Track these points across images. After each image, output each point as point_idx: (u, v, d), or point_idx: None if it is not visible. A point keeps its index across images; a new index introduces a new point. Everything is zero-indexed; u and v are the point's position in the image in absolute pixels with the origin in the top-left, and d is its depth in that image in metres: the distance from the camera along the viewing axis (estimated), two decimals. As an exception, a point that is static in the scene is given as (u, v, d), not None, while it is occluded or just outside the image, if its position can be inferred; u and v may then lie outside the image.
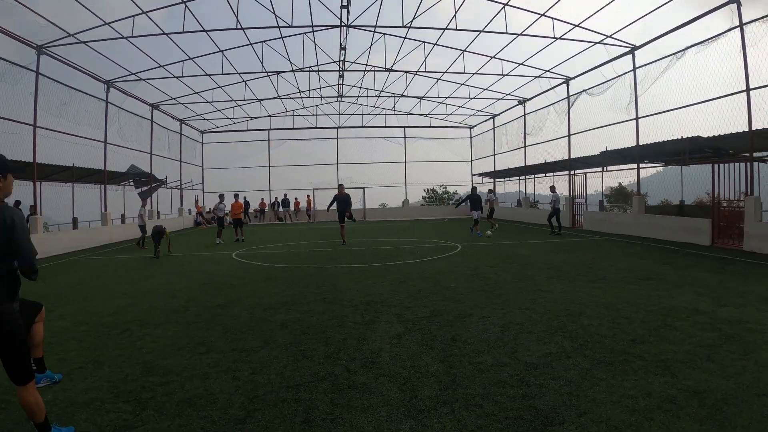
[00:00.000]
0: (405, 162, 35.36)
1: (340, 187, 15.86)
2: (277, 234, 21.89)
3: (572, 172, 23.01)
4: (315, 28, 18.24)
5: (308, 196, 34.17)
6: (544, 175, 27.36)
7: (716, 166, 13.38)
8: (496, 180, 33.42)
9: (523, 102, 27.50)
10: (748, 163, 12.11)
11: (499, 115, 31.58)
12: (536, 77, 22.89)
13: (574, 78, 22.01)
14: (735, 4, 12.20)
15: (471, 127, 36.03)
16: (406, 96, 28.05)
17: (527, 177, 28.61)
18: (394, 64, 21.91)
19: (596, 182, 23.82)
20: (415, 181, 35.80)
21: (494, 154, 32.40)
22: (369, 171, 34.90)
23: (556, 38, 17.50)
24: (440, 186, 38.97)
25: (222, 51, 19.67)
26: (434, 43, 19.83)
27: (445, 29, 17.96)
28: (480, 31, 17.91)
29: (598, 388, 3.90)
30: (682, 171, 19.12)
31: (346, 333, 5.51)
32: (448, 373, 4.25)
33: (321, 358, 4.64)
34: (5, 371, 2.92)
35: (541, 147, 25.87)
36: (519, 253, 12.62)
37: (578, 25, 16.46)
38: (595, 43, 17.55)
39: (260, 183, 33.79)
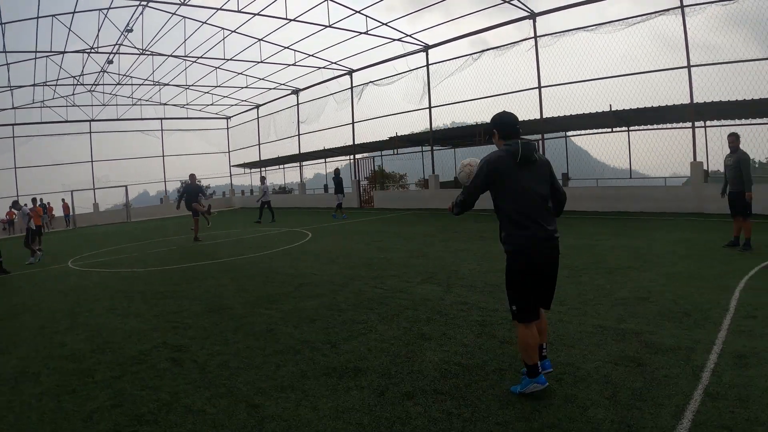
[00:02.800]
0: (163, 156, 33.80)
1: (192, 176, 14.47)
2: (65, 243, 17.62)
3: (356, 157, 25.84)
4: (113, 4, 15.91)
5: (63, 199, 29.34)
6: (323, 161, 29.80)
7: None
8: (266, 169, 34.32)
9: (296, 92, 29.13)
10: (540, 142, 16.61)
11: (264, 105, 32.60)
12: (320, 68, 24.72)
13: (357, 70, 24.71)
14: (531, 20, 16.38)
15: (228, 118, 36.29)
16: (170, 85, 26.48)
17: (302, 164, 30.83)
18: (177, 49, 20.69)
19: (393, 164, 27.37)
20: (173, 175, 34.42)
21: (259, 144, 33.39)
22: (128, 167, 32.45)
23: (362, 33, 19.63)
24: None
25: (2, 23, 15.16)
26: (233, 30, 19.55)
27: (255, 14, 17.95)
28: (290, 20, 18.44)
29: (634, 275, 6.07)
30: (455, 153, 23.87)
31: (405, 300, 5.94)
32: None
33: (440, 320, 5.16)
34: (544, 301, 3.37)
35: (320, 134, 28.18)
36: (368, 230, 14.30)
37: (386, 24, 18.97)
38: (395, 39, 20.35)
39: (5, 188, 27.07)
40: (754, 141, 12.42)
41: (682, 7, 12.82)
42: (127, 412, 3.41)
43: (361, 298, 6.22)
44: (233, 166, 36.47)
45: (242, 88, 27.72)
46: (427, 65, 20.94)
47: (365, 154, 25.81)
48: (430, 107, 21.18)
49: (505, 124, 3.37)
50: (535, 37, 16.46)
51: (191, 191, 14.15)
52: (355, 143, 25.05)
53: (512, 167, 3.20)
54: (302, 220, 19.31)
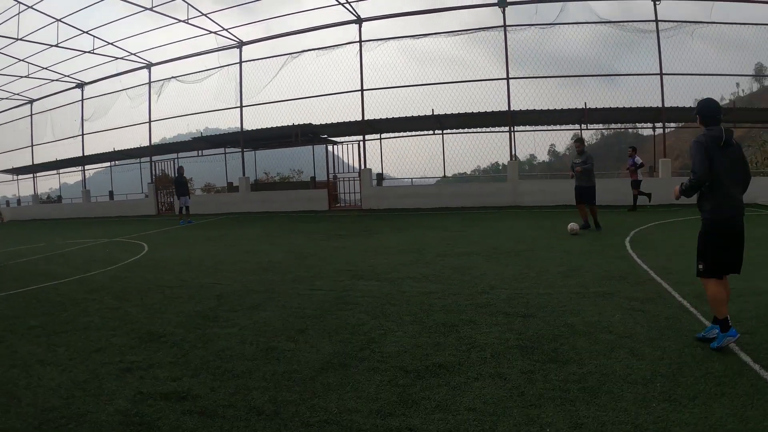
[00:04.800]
0: None
1: None
2: None
3: (153, 159, 22.86)
4: None
5: None
6: (113, 163, 25.67)
7: (329, 146, 17.84)
8: (37, 175, 27.78)
9: (81, 85, 24.05)
10: (362, 143, 17.12)
11: (39, 100, 26.16)
12: (117, 58, 20.92)
13: (157, 64, 21.60)
14: (357, 25, 16.61)
15: None
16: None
17: (86, 168, 25.89)
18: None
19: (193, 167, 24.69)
20: None
21: (32, 145, 26.82)
22: None
23: (181, 21, 17.23)
24: None
25: None
26: (30, 6, 15.26)
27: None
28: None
29: (539, 255, 7.16)
30: (255, 155, 22.80)
31: (368, 298, 5.54)
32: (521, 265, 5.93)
33: (436, 309, 5.05)
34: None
35: (110, 134, 24.09)
36: (205, 236, 12.92)
37: (206, 15, 17.05)
38: (211, 32, 18.38)
39: None
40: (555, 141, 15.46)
41: (504, 26, 15.15)
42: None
43: (317, 300, 5.48)
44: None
45: (21, 77, 21.53)
46: (240, 62, 19.63)
47: (164, 156, 22.73)
48: (241, 106, 19.88)
49: (706, 111, 3.62)
50: (360, 41, 17.05)
51: None
52: (152, 144, 21.94)
53: (716, 150, 3.49)
54: (106, 230, 15.95)
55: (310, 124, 17.74)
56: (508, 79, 15.88)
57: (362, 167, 17.57)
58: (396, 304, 5.22)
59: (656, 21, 15.72)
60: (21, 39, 17.78)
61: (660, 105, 15.60)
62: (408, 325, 4.52)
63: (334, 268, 7.32)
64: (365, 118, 17.33)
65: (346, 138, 18.55)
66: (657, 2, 15.73)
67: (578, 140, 9.74)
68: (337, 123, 17.37)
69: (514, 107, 15.95)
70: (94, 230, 16.40)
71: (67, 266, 9.20)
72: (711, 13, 16.12)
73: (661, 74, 15.69)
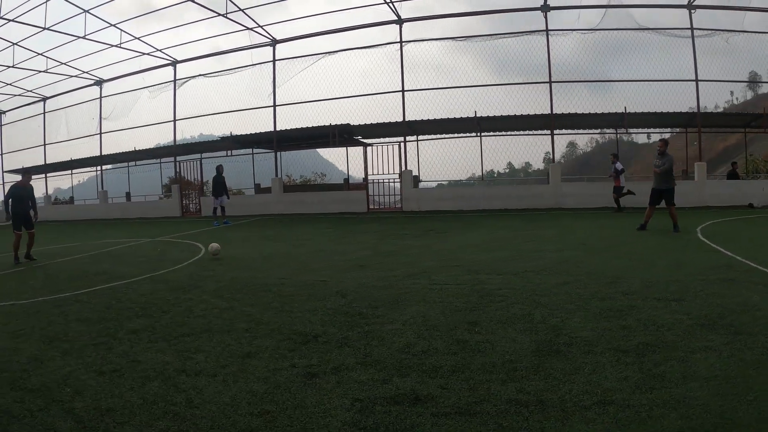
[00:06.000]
0: None
1: (26, 174, 9.99)
2: None
3: (177, 159, 22.68)
4: None
5: None
6: (133, 163, 25.41)
7: (366, 148, 17.83)
8: (48, 175, 27.44)
9: (100, 83, 23.75)
10: (403, 144, 17.13)
11: (53, 97, 25.72)
12: (144, 54, 20.70)
13: (182, 61, 21.41)
14: (398, 25, 16.66)
15: (2, 113, 27.88)
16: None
17: (103, 168, 25.50)
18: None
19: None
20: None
21: (45, 144, 26.45)
22: None
23: (221, 15, 17.11)
24: None
25: None
26: None
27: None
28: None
29: (630, 249, 7.21)
30: (280, 156, 22.72)
31: (507, 290, 5.48)
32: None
33: (587, 298, 5.04)
34: None
35: (131, 133, 23.77)
36: (259, 236, 12.80)
37: (243, 10, 16.95)
38: (248, 28, 18.26)
39: None
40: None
41: (546, 31, 15.32)
42: None
43: (455, 294, 5.36)
44: (7, 171, 27.93)
45: (38, 72, 21.06)
46: (274, 61, 19.53)
47: (188, 157, 22.52)
48: (274, 105, 19.78)
49: None
50: (401, 42, 17.09)
51: (21, 196, 9.72)
52: (177, 143, 21.73)
53: None
54: (138, 230, 15.65)
55: (348, 124, 17.69)
56: (550, 82, 16.05)
57: (403, 169, 17.56)
58: (544, 294, 5.22)
59: (692, 29, 15.99)
60: (47, 29, 17.49)
61: (695, 110, 15.91)
62: (576, 312, 4.54)
63: (437, 264, 7.18)
64: (406, 119, 17.33)
65: (381, 140, 18.45)
66: (692, 11, 16.00)
67: (662, 140, 9.89)
68: (376, 124, 17.34)
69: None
70: (124, 230, 16.19)
71: (125, 265, 8.81)
72: (743, 22, 16.42)
73: (697, 80, 15.97)
